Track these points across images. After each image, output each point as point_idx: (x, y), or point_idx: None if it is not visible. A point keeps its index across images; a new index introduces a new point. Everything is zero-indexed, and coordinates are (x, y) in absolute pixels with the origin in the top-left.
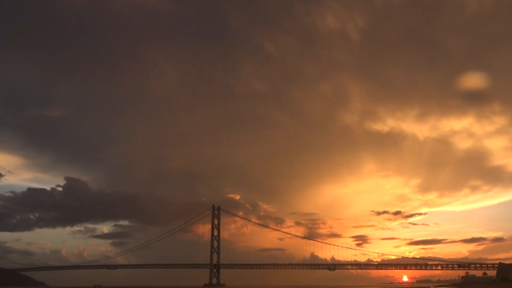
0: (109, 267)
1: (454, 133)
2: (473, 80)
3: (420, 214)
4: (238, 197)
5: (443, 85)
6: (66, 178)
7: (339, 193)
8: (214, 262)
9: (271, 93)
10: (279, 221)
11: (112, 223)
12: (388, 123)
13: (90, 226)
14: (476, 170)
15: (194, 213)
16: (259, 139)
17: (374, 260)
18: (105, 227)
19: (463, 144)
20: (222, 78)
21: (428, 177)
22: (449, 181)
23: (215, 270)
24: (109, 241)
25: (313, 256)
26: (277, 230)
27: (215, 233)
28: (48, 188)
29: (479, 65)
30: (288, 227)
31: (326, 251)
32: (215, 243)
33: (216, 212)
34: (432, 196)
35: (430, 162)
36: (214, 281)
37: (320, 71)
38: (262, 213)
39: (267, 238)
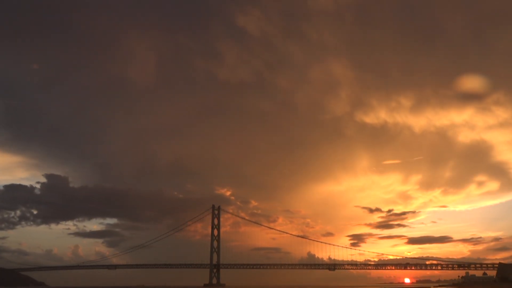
0: (109, 267)
1: (453, 126)
2: (474, 65)
3: (420, 212)
4: (228, 193)
5: (440, 70)
6: (47, 175)
7: (333, 190)
8: (214, 262)
9: (257, 81)
10: (272, 219)
11: (99, 221)
12: (381, 115)
13: (78, 224)
14: (479, 166)
15: (184, 210)
16: (247, 132)
17: (372, 260)
18: (94, 225)
19: (463, 137)
20: (204, 65)
21: (429, 174)
22: (452, 177)
23: (215, 270)
24: (100, 240)
25: (310, 255)
26: (272, 228)
27: (215, 233)
28: (27, 184)
29: (481, 47)
30: (281, 225)
31: (322, 250)
32: (215, 243)
33: (216, 212)
34: (436, 193)
35: (430, 157)
36: (214, 281)
37: (308, 55)
38: (254, 211)
39: (262, 237)
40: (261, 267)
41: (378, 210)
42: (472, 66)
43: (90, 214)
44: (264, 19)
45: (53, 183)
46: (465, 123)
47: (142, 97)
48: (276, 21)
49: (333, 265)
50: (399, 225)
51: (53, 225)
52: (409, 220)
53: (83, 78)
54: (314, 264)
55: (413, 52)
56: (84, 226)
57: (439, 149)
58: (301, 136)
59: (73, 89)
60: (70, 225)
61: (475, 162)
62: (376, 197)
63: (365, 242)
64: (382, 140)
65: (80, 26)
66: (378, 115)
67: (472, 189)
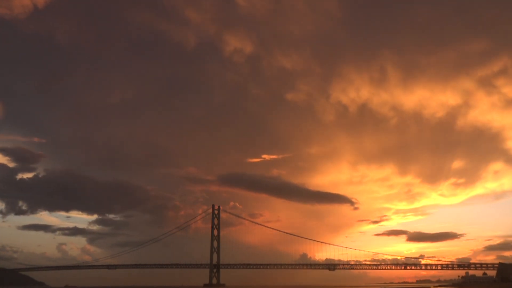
0: (109, 267)
1: (453, 106)
2: (475, 22)
3: (424, 209)
4: (203, 187)
5: (433, 28)
6: None
7: (318, 184)
8: (214, 262)
9: (215, 42)
10: (258, 214)
11: (64, 215)
12: (363, 93)
13: (43, 218)
14: (492, 153)
15: (156, 202)
16: (214, 117)
17: (371, 259)
18: (62, 221)
19: (463, 120)
20: (153, 23)
21: (432, 164)
22: (462, 167)
23: (215, 270)
24: (77, 237)
25: (305, 254)
26: (263, 225)
27: (215, 233)
28: None
29: None
30: (269, 221)
31: (318, 249)
32: (215, 243)
33: (216, 212)
34: (443, 186)
35: (429, 144)
36: (214, 281)
37: (272, 8)
38: (237, 204)
39: (253, 234)
40: (261, 267)
41: (373, 207)
42: (473, 23)
43: (50, 207)
44: None
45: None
46: (464, 103)
47: (73, 62)
48: None
49: (333, 265)
50: (399, 223)
51: (14, 219)
52: (411, 218)
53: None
54: (314, 264)
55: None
56: (56, 221)
57: (438, 133)
58: (274, 122)
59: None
60: (35, 220)
61: (486, 148)
62: (370, 192)
63: (362, 241)
64: (367, 125)
65: None
66: (360, 93)
67: (488, 179)
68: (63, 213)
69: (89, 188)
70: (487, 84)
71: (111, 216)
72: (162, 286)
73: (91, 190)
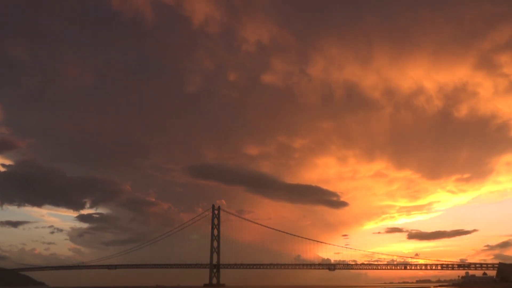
0: (109, 267)
1: (448, 92)
2: None
3: (426, 207)
4: (174, 182)
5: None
6: None
7: (306, 180)
8: (214, 262)
9: (177, 10)
10: (246, 213)
11: (35, 210)
12: (347, 72)
13: (14, 214)
14: (501, 143)
15: (130, 198)
16: (188, 104)
17: (371, 259)
18: (34, 214)
19: (464, 107)
20: None
21: (433, 156)
22: (468, 160)
23: (215, 270)
24: (61, 234)
25: (302, 254)
26: (259, 224)
27: (215, 233)
28: None
29: None
30: (261, 219)
31: (316, 249)
32: (215, 243)
33: (216, 212)
34: (448, 182)
35: (427, 134)
36: (214, 281)
37: None
38: (223, 201)
39: (247, 233)
40: (261, 267)
41: (373, 204)
42: None
43: (21, 202)
44: None
45: None
46: (462, 86)
47: (12, 33)
48: None
49: (333, 265)
50: (402, 222)
51: None
52: (415, 217)
53: None
54: (313, 264)
55: None
56: (32, 217)
57: (437, 123)
58: (252, 110)
59: None
60: (8, 216)
61: (492, 139)
62: (366, 189)
63: (362, 241)
64: (355, 112)
65: None
66: (343, 71)
67: (501, 171)
68: (36, 209)
69: (59, 181)
70: (490, 64)
71: (87, 212)
72: (162, 286)
73: (61, 184)
